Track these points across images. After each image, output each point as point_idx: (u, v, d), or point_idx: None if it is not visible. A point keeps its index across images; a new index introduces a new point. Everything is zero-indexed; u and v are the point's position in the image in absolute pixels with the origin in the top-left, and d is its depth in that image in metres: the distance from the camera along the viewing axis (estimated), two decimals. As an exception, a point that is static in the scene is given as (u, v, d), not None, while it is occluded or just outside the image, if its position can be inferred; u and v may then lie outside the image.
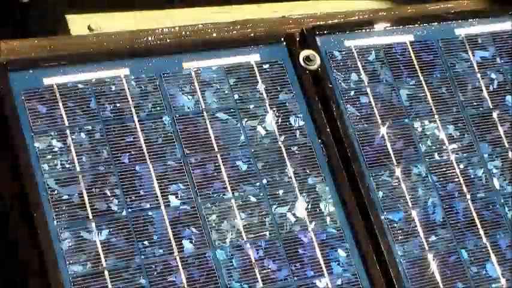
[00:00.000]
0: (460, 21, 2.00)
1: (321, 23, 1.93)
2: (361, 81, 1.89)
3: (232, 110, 1.80)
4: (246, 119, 1.80)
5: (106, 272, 1.59)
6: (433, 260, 1.78)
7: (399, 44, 1.93)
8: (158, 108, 1.77)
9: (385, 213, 1.79)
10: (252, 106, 1.81)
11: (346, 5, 2.04)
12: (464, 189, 1.85)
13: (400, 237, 1.78)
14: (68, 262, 1.58)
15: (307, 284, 1.70)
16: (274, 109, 1.82)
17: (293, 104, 1.84)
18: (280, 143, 1.80)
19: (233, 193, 1.74)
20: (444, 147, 1.88)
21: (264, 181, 1.76)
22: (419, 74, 1.92)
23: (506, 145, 1.91)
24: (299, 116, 1.83)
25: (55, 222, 1.61)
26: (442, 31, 1.98)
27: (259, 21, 1.92)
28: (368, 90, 1.88)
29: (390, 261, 1.74)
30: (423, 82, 1.92)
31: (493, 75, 1.96)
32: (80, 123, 1.70)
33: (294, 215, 1.75)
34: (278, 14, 1.95)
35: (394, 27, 1.96)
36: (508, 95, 1.95)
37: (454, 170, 1.87)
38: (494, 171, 1.88)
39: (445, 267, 1.78)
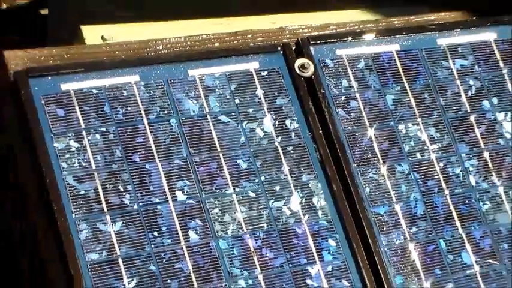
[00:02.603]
0: (441, 32, 2.09)
1: (315, 33, 2.02)
2: (351, 87, 1.98)
3: (233, 113, 1.90)
4: (245, 122, 1.90)
5: (120, 260, 1.69)
6: (414, 249, 1.88)
7: (386, 53, 2.03)
8: (166, 112, 1.87)
9: (371, 207, 1.90)
10: (251, 110, 1.92)
11: (337, 16, 2.12)
12: (443, 185, 1.96)
13: (384, 228, 1.89)
14: (85, 250, 1.68)
15: (301, 270, 1.80)
16: (271, 112, 1.92)
17: (289, 108, 1.94)
18: (277, 143, 1.90)
19: (234, 189, 1.84)
20: (426, 147, 1.98)
21: (262, 178, 1.87)
22: (404, 81, 2.02)
23: (482, 146, 2.01)
24: (294, 119, 1.93)
25: (73, 215, 1.71)
26: (425, 41, 2.07)
27: (258, 31, 2.01)
28: (357, 95, 1.98)
29: (375, 250, 1.84)
30: (407, 88, 2.01)
31: (471, 82, 2.05)
32: (95, 125, 1.80)
33: (289, 208, 1.86)
34: (276, 25, 2.02)
35: (382, 38, 2.05)
36: (484, 100, 2.05)
37: (434, 168, 1.97)
38: (471, 169, 1.98)
39: (425, 255, 1.88)
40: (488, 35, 2.12)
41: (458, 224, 1.95)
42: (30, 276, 1.92)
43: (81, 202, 1.74)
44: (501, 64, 2.10)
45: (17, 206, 1.86)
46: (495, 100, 2.07)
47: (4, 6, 6.58)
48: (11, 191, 1.92)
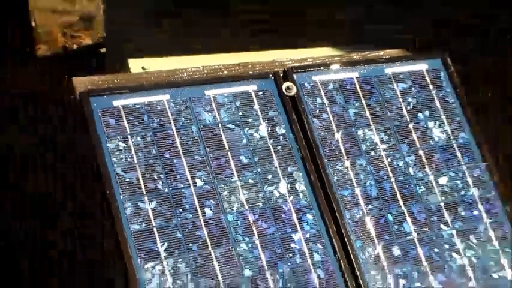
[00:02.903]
0: (388, 63, 2.08)
1: (297, 64, 2.01)
2: (323, 103, 1.97)
3: (237, 122, 1.89)
4: (246, 128, 1.89)
5: (155, 229, 1.69)
6: (369, 221, 1.87)
7: (348, 79, 2.02)
8: (188, 121, 1.85)
9: (338, 190, 1.88)
10: (250, 119, 1.90)
11: (313, 52, 2.12)
12: (390, 174, 1.95)
13: (348, 206, 1.87)
14: (129, 222, 1.68)
15: (287, 237, 1.80)
16: (265, 122, 1.91)
17: (278, 118, 1.93)
18: (269, 144, 1.89)
19: (238, 177, 1.83)
20: (377, 147, 1.97)
21: (259, 169, 1.85)
22: (362, 99, 2.01)
23: (418, 145, 2.00)
24: (282, 126, 1.92)
25: (121, 196, 1.71)
26: (376, 70, 2.06)
27: (256, 63, 2.01)
28: (327, 109, 1.97)
29: (342, 222, 1.83)
30: (364, 104, 2.01)
31: (410, 100, 2.05)
32: (137, 131, 1.80)
33: (278, 191, 1.85)
34: (269, 58, 2.02)
35: (345, 68, 2.04)
36: (419, 113, 2.04)
37: (383, 162, 1.96)
38: (410, 163, 1.97)
39: (377, 226, 1.87)
40: (422, 66, 2.11)
41: (401, 202, 1.93)
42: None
43: (127, 187, 1.73)
44: (431, 87, 2.09)
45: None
46: (427, 113, 2.06)
47: (75, 46, 6.59)
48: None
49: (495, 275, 1.93)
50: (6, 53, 3.66)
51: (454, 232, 1.94)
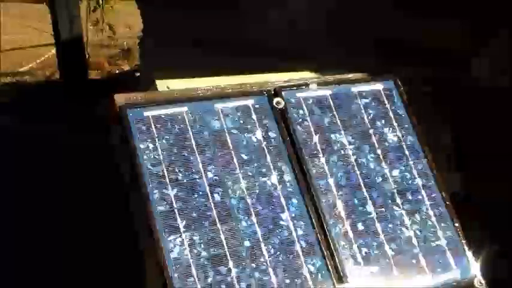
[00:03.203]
0: (353, 84, 2.02)
1: (284, 84, 1.95)
2: (305, 114, 1.90)
3: (239, 128, 1.82)
4: (246, 133, 1.82)
5: (176, 210, 1.64)
6: (340, 204, 1.81)
7: (324, 95, 1.95)
8: (202, 127, 1.78)
9: (316, 180, 1.82)
10: (249, 126, 1.83)
11: (296, 75, 2.06)
12: (356, 168, 1.88)
13: (323, 192, 1.81)
14: (156, 205, 1.63)
15: (277, 216, 1.73)
16: (260, 128, 1.84)
17: (270, 125, 1.85)
18: (263, 145, 1.82)
19: (240, 170, 1.76)
20: (346, 147, 1.90)
21: (255, 164, 1.78)
22: (334, 111, 1.94)
23: (376, 146, 1.93)
24: (273, 131, 1.84)
25: (150, 185, 1.65)
26: (345, 89, 1.99)
27: (254, 83, 1.95)
28: (308, 118, 1.90)
29: (319, 205, 1.78)
30: (335, 115, 1.93)
31: (370, 111, 1.97)
32: (162, 135, 1.73)
33: (270, 181, 1.78)
34: (263, 80, 1.97)
35: (321, 87, 1.97)
36: (377, 121, 1.97)
37: (350, 159, 1.89)
38: (370, 159, 1.90)
39: (346, 207, 1.81)
40: (379, 86, 2.05)
41: (364, 189, 1.86)
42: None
43: (154, 178, 1.67)
44: (386, 102, 2.03)
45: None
46: (383, 121, 1.99)
47: (117, 71, 6.59)
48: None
49: (433, 244, 1.88)
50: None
51: (403, 212, 1.89)
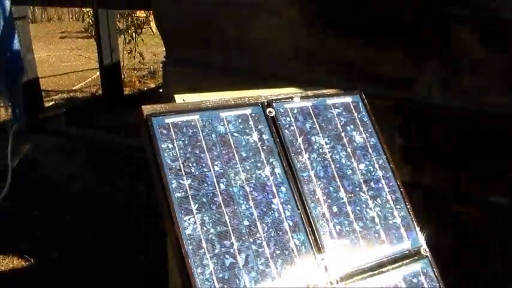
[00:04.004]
0: (329, 97, 1.95)
1: (275, 98, 1.87)
2: (291, 120, 1.82)
3: (239, 132, 1.74)
4: (245, 135, 1.73)
5: (190, 196, 1.57)
6: (319, 191, 1.73)
7: (305, 106, 1.87)
8: (210, 132, 1.70)
9: (301, 172, 1.74)
10: (247, 130, 1.75)
11: (284, 91, 1.97)
12: (331, 163, 1.80)
13: (306, 182, 1.73)
14: (175, 192, 1.56)
15: (270, 201, 1.66)
16: (256, 131, 1.75)
17: (264, 130, 1.77)
18: (259, 145, 1.73)
19: (240, 165, 1.68)
20: (323, 146, 1.82)
21: (252, 160, 1.70)
22: (313, 118, 1.86)
23: (347, 145, 1.85)
24: (266, 134, 1.76)
25: (169, 176, 1.58)
26: (322, 101, 1.92)
27: (250, 97, 1.86)
28: (293, 124, 1.82)
29: (303, 191, 1.70)
30: (315, 121, 1.85)
31: (342, 118, 1.90)
32: (179, 137, 1.65)
33: (264, 174, 1.69)
34: (258, 94, 1.89)
35: (304, 100, 1.90)
36: (348, 126, 1.90)
37: (327, 156, 1.81)
38: (342, 156, 1.83)
39: (323, 194, 1.72)
40: (348, 99, 1.99)
41: (337, 180, 1.79)
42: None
43: (173, 170, 1.60)
44: (354, 111, 1.96)
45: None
46: (352, 126, 1.92)
47: (145, 88, 6.58)
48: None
49: (391, 221, 1.82)
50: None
51: (368, 197, 1.82)
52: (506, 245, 2.45)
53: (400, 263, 1.76)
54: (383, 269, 1.72)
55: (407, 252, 1.78)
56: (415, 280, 1.75)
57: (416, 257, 1.79)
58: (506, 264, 2.45)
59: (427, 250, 1.81)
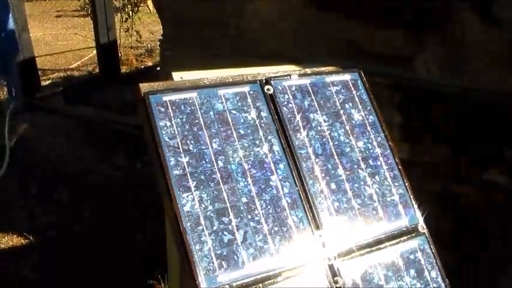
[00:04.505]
0: (327, 75, 1.94)
1: (273, 75, 1.86)
2: (289, 98, 1.82)
3: (237, 110, 1.74)
4: (243, 113, 1.73)
5: (188, 174, 1.58)
6: (317, 168, 1.73)
7: (304, 84, 1.87)
8: (208, 109, 1.70)
9: (299, 150, 1.74)
10: (245, 108, 1.74)
11: (283, 68, 1.98)
12: (330, 140, 1.80)
13: (304, 159, 1.73)
14: (173, 170, 1.56)
15: (268, 177, 1.66)
16: (254, 109, 1.75)
17: (262, 107, 1.77)
18: (257, 122, 1.73)
19: (238, 142, 1.68)
20: (322, 124, 1.82)
21: (250, 137, 1.70)
22: (312, 95, 1.86)
23: (345, 123, 1.86)
24: (264, 112, 1.76)
25: (167, 154, 1.58)
26: (321, 78, 1.91)
27: (248, 74, 1.85)
28: (292, 101, 1.81)
29: (301, 169, 1.71)
30: (314, 98, 1.85)
31: (341, 96, 1.90)
32: (177, 115, 1.65)
33: (262, 151, 1.70)
34: (256, 72, 1.88)
35: (302, 77, 1.89)
36: (346, 104, 1.90)
37: (325, 133, 1.81)
38: (341, 133, 1.83)
39: (322, 171, 1.73)
40: (347, 76, 1.97)
41: (336, 157, 1.79)
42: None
43: (171, 148, 1.60)
44: (352, 89, 1.95)
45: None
46: (350, 104, 1.92)
47: (142, 66, 6.57)
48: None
49: (389, 199, 1.82)
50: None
51: (366, 174, 1.83)
52: (506, 228, 2.46)
53: (397, 240, 1.77)
54: (380, 246, 1.74)
55: (404, 229, 1.80)
56: (412, 257, 1.77)
57: (413, 234, 1.80)
58: (506, 247, 2.47)
59: (425, 227, 1.82)
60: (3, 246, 3.25)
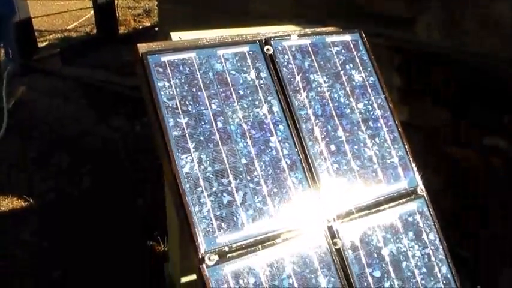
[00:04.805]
0: (327, 35, 1.91)
1: (273, 35, 1.83)
2: (289, 58, 1.79)
3: (237, 70, 1.72)
4: (242, 73, 1.72)
5: (187, 135, 1.57)
6: (317, 130, 1.72)
7: (304, 44, 1.84)
8: (207, 69, 1.68)
9: (298, 111, 1.73)
10: (245, 68, 1.73)
11: (283, 28, 1.95)
12: (329, 101, 1.78)
13: (304, 120, 1.72)
14: (171, 130, 1.56)
15: (268, 139, 1.65)
16: (254, 69, 1.73)
17: (262, 67, 1.75)
18: (256, 83, 1.72)
19: (237, 103, 1.67)
20: (322, 85, 1.80)
21: (250, 98, 1.69)
22: (312, 56, 1.83)
23: (346, 84, 1.84)
24: (264, 72, 1.74)
25: (166, 115, 1.57)
26: (321, 39, 1.88)
27: (248, 34, 1.83)
28: (292, 62, 1.79)
29: (300, 130, 1.70)
30: (314, 59, 1.83)
31: (341, 57, 1.87)
32: (176, 75, 1.64)
33: (262, 112, 1.69)
34: (256, 32, 1.86)
35: (302, 37, 1.86)
36: (347, 65, 1.88)
37: (325, 94, 1.79)
38: (341, 95, 1.81)
39: (321, 132, 1.72)
40: (348, 37, 1.95)
41: (336, 118, 1.78)
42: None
43: (170, 109, 1.59)
44: (353, 49, 1.93)
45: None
46: (351, 65, 1.90)
47: (140, 27, 6.50)
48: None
49: (388, 161, 1.82)
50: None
51: (366, 136, 1.82)
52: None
53: (396, 202, 1.78)
54: (380, 208, 1.74)
55: (404, 191, 1.80)
56: (410, 219, 1.77)
57: (412, 196, 1.81)
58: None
59: (424, 190, 1.83)
60: (3, 209, 3.26)
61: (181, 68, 1.67)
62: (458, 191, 2.54)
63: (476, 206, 2.53)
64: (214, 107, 1.65)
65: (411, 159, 1.85)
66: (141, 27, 6.68)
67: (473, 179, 2.51)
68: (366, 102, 1.86)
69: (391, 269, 1.69)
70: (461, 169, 2.54)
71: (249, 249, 1.53)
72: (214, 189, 1.55)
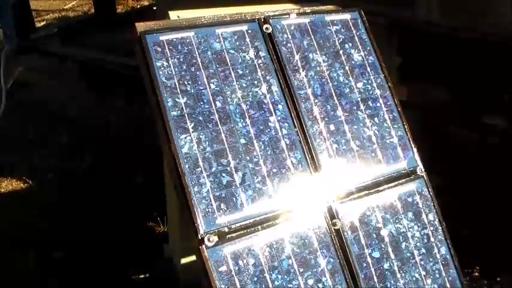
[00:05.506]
0: (327, 14, 1.88)
1: (272, 13, 1.80)
2: (288, 37, 1.77)
3: (235, 49, 1.69)
4: (241, 52, 1.69)
5: (186, 115, 1.55)
6: (316, 109, 1.71)
7: (303, 23, 1.82)
8: (206, 49, 1.66)
9: (298, 90, 1.71)
10: (244, 47, 1.70)
11: (281, 7, 1.92)
12: (329, 81, 1.76)
13: (303, 100, 1.70)
14: (171, 110, 1.54)
15: (267, 118, 1.63)
16: (252, 48, 1.71)
17: (260, 47, 1.72)
18: (255, 62, 1.69)
19: (236, 82, 1.65)
20: (321, 64, 1.78)
21: (249, 77, 1.67)
22: (311, 35, 1.81)
23: (345, 63, 1.82)
24: (263, 51, 1.72)
25: (164, 95, 1.55)
26: (320, 17, 1.85)
27: (247, 13, 1.80)
28: (291, 41, 1.77)
29: (299, 110, 1.69)
30: (313, 38, 1.80)
31: (340, 36, 1.85)
32: (174, 54, 1.61)
33: (261, 91, 1.66)
34: (255, 10, 1.83)
35: (301, 16, 1.83)
36: (346, 44, 1.85)
37: (324, 74, 1.77)
38: (340, 74, 1.79)
39: (321, 112, 1.71)
40: (347, 16, 1.91)
41: (335, 98, 1.76)
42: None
43: (168, 88, 1.57)
44: (352, 28, 1.90)
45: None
46: (350, 44, 1.87)
47: (138, 6, 6.45)
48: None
49: (388, 141, 1.81)
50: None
51: (365, 116, 1.80)
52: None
53: (396, 183, 1.76)
54: (379, 188, 1.73)
55: (403, 171, 1.79)
56: (410, 199, 1.76)
57: (412, 177, 1.79)
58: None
59: (423, 170, 1.81)
60: (3, 190, 3.24)
61: (179, 47, 1.64)
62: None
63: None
64: (213, 86, 1.62)
65: (410, 139, 1.83)
66: (139, 6, 6.63)
67: (471, 157, 2.50)
68: (365, 81, 1.84)
69: (390, 249, 1.69)
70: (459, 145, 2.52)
71: (248, 230, 1.52)
72: (213, 169, 1.53)
